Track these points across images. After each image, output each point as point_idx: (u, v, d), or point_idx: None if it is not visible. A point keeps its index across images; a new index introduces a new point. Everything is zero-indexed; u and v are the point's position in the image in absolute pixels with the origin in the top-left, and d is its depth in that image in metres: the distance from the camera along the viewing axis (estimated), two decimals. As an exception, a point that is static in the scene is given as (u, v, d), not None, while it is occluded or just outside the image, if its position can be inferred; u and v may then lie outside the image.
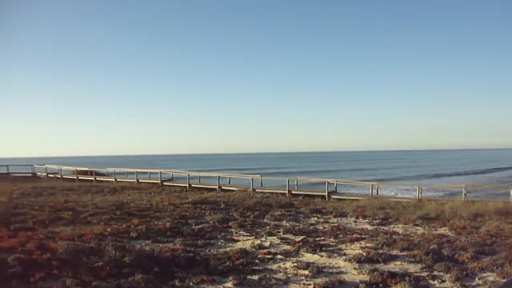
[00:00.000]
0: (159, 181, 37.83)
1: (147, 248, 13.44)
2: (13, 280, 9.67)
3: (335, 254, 13.14)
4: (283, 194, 29.95)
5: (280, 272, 11.32)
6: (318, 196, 29.05)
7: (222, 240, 15.48)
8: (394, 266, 11.77)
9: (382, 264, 11.97)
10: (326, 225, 18.42)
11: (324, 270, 11.43)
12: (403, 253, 13.10)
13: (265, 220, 19.60)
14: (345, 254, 13.05)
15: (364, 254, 12.74)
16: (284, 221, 19.43)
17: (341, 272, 11.28)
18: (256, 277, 10.81)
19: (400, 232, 16.95)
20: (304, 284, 10.36)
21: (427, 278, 10.67)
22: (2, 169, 50.94)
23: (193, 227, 17.63)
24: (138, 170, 42.23)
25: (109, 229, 16.16)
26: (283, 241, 15.22)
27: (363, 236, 15.93)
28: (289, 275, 11.03)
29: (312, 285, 10.16)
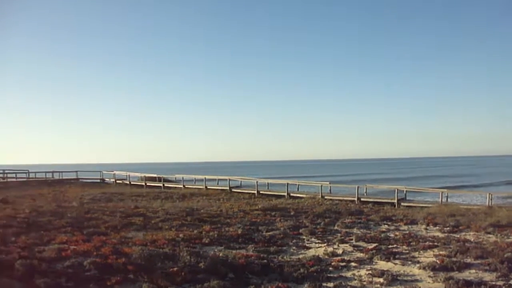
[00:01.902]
0: (228, 188, 38.25)
1: (220, 254, 13.55)
2: (90, 284, 9.99)
3: (409, 262, 13.03)
4: (352, 201, 29.83)
5: (355, 279, 11.32)
6: (388, 203, 28.80)
7: (294, 247, 15.54)
8: (469, 275, 11.58)
9: (456, 272, 11.79)
10: (397, 233, 18.23)
11: (399, 278, 11.37)
12: (477, 261, 12.84)
13: (336, 228, 19.56)
14: (418, 262, 12.91)
15: (438, 262, 12.56)
16: (355, 229, 19.37)
17: (416, 280, 11.20)
18: (331, 285, 10.85)
19: (472, 239, 16.61)
20: (380, 292, 10.32)
21: (503, 287, 10.47)
22: (71, 174, 53.29)
23: (264, 233, 17.71)
24: (207, 177, 42.73)
25: (181, 235, 16.36)
26: (355, 248, 15.18)
27: (435, 243, 15.68)
28: (364, 283, 11.01)
29: (388, 293, 10.12)
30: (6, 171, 52.26)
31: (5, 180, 47.75)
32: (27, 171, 55.26)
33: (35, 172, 55.21)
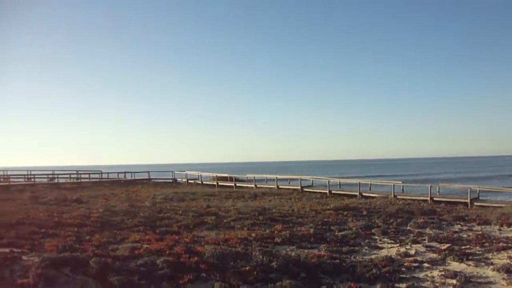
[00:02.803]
0: (299, 187, 38.39)
1: (292, 254, 13.64)
2: (163, 282, 10.30)
3: (482, 263, 12.92)
4: (425, 200, 29.46)
5: (428, 280, 11.38)
6: (460, 203, 28.28)
7: (366, 247, 15.64)
8: (546, 278, 11.38)
9: (532, 275, 11.60)
10: (470, 233, 18.01)
11: (472, 279, 11.33)
12: (554, 264, 12.59)
13: (408, 227, 19.49)
14: (492, 264, 12.79)
15: (512, 264, 12.44)
16: (428, 229, 19.23)
17: (490, 283, 11.16)
18: (403, 285, 10.95)
19: (548, 241, 16.18)
20: (452, 293, 10.31)
21: None
22: (143, 175, 54.49)
23: (336, 233, 17.77)
24: (278, 176, 42.81)
25: (253, 234, 16.48)
26: (428, 249, 15.13)
27: (509, 245, 15.41)
28: (437, 284, 11.06)
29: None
30: (80, 172, 54.31)
31: (79, 181, 49.34)
32: (100, 172, 57.43)
33: (108, 173, 57.11)
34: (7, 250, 12.17)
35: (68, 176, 53.51)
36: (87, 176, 53.56)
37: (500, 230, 19.05)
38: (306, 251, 14.51)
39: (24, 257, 11.66)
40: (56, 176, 52.32)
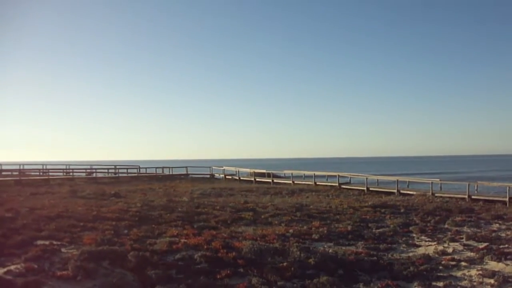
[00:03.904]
0: (337, 184, 38.34)
1: (330, 251, 13.81)
2: (200, 276, 10.48)
3: (521, 263, 12.83)
4: (463, 199, 29.17)
5: (465, 279, 11.45)
6: (499, 201, 27.87)
7: (404, 245, 15.68)
8: None
9: None
10: (508, 232, 17.83)
11: (510, 279, 11.29)
12: None
13: (446, 226, 19.37)
14: (531, 264, 12.69)
15: (551, 264, 12.31)
16: (465, 227, 19.08)
17: (528, 283, 11.11)
18: (441, 284, 11.09)
19: None
20: (491, 293, 10.32)
21: None
22: (181, 170, 54.93)
23: (373, 230, 17.85)
24: (316, 173, 42.95)
25: (291, 230, 16.55)
26: (466, 247, 15.07)
27: (549, 244, 15.25)
28: (474, 283, 11.14)
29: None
30: (118, 167, 55.15)
31: (117, 175, 50.21)
32: (137, 167, 58.21)
33: (146, 168, 57.68)
34: (47, 242, 12.72)
35: (106, 170, 54.44)
36: (125, 170, 54.38)
37: (540, 229, 18.80)
38: (343, 248, 14.65)
39: (63, 250, 12.19)
40: (94, 170, 53.50)
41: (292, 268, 11.36)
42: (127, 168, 56.18)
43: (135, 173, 54.55)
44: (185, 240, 13.78)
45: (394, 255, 14.21)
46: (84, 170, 54.00)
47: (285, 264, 11.61)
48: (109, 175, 51.13)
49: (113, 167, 55.51)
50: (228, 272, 10.84)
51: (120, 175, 50.88)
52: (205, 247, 12.94)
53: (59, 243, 12.91)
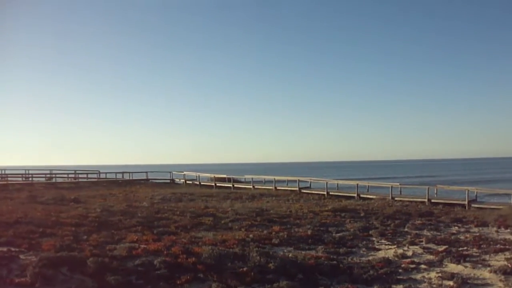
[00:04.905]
0: (297, 189, 38.26)
1: (290, 255, 13.67)
2: (160, 282, 10.37)
3: (479, 265, 12.92)
4: (423, 202, 29.44)
5: (425, 282, 11.45)
6: (458, 204, 28.28)
7: (364, 249, 15.67)
8: (542, 280, 11.41)
9: (529, 277, 11.63)
10: (467, 235, 18.02)
11: (469, 281, 11.38)
12: (551, 266, 12.61)
13: (406, 229, 19.46)
14: (489, 265, 12.78)
15: (509, 265, 12.38)
16: (425, 231, 19.22)
17: (487, 284, 11.22)
18: (400, 287, 11.04)
19: (545, 243, 16.20)
20: (449, 295, 10.33)
21: None
22: (141, 175, 54.30)
23: (334, 235, 17.74)
24: (276, 178, 42.89)
25: (251, 235, 16.44)
26: (425, 250, 15.14)
27: (506, 247, 15.43)
28: (434, 286, 11.13)
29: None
30: (78, 172, 54.35)
31: (77, 180, 49.40)
32: (97, 172, 57.37)
33: (106, 173, 56.94)
34: (4, 249, 12.22)
35: (66, 175, 53.53)
36: (85, 176, 53.62)
37: (497, 232, 19.04)
38: (303, 252, 14.52)
39: (21, 256, 11.70)
40: (54, 175, 52.39)
41: (252, 273, 11.27)
42: (87, 173, 55.41)
43: (95, 178, 53.54)
44: (145, 246, 13.57)
45: (354, 259, 14.13)
46: (43, 175, 52.73)
47: (245, 269, 11.53)
48: (69, 180, 50.33)
49: (73, 172, 54.64)
50: (188, 277, 10.72)
51: (80, 180, 50.06)
52: (165, 252, 12.82)
53: (17, 249, 12.44)
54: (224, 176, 49.39)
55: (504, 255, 14.20)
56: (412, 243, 16.46)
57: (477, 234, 18.31)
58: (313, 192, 37.26)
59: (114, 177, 54.45)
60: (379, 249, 15.62)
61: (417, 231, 18.95)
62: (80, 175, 53.08)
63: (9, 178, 50.27)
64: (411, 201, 30.01)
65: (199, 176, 50.92)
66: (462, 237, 17.61)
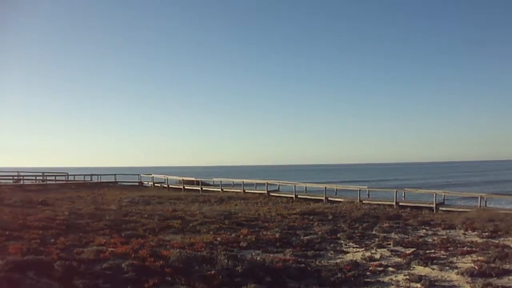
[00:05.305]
0: (266, 192, 38.29)
1: (258, 258, 13.55)
2: (128, 285, 10.22)
3: (447, 267, 12.99)
4: (391, 205, 29.66)
5: (392, 284, 11.42)
6: (426, 207, 28.62)
7: (331, 252, 15.58)
8: (508, 281, 11.52)
9: (495, 278, 11.73)
10: (435, 238, 18.17)
11: (436, 283, 11.40)
12: (516, 268, 12.74)
13: (374, 232, 19.52)
14: (456, 268, 12.86)
15: (476, 267, 12.51)
16: (393, 233, 19.30)
17: (454, 286, 11.26)
18: None
19: (511, 245, 16.38)
20: (417, 297, 10.33)
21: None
22: (110, 177, 54.16)
23: (302, 238, 17.74)
24: (245, 181, 42.84)
25: (219, 239, 16.38)
26: (393, 253, 15.18)
27: (473, 249, 15.61)
28: (402, 288, 11.09)
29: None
30: (46, 174, 53.36)
31: (45, 183, 48.61)
32: (66, 174, 56.51)
33: (74, 175, 56.20)
34: (-30, 253, 11.87)
35: (33, 178, 52.64)
36: (53, 178, 52.76)
37: (464, 234, 19.24)
38: (271, 255, 14.41)
39: (-13, 260, 11.38)
40: (21, 177, 51.48)
41: (220, 276, 11.14)
42: (55, 176, 54.50)
43: (63, 180, 52.90)
44: (113, 249, 13.35)
45: (322, 261, 14.04)
46: (11, 177, 51.63)
47: (213, 272, 11.37)
48: (37, 182, 49.50)
49: (41, 174, 53.58)
50: (156, 280, 10.56)
51: (48, 182, 49.26)
52: (133, 255, 12.67)
53: (-17, 253, 12.13)
54: (193, 179, 49.47)
55: (471, 257, 14.32)
56: (380, 246, 16.48)
57: (445, 236, 18.43)
58: (282, 195, 37.35)
59: (83, 179, 53.95)
60: (347, 252, 15.58)
61: (385, 234, 18.98)
62: (48, 178, 52.18)
63: None
64: (379, 204, 30.17)
65: (167, 179, 50.60)
66: (429, 240, 17.73)
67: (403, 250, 15.69)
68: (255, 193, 39.24)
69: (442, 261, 13.76)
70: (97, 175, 54.59)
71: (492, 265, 12.95)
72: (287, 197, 36.00)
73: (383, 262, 13.70)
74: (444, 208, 28.17)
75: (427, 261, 13.61)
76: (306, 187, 39.45)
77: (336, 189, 36.91)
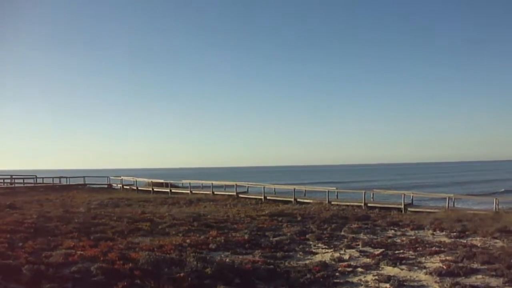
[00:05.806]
0: (235, 193, 38.20)
1: (227, 260, 13.52)
2: None
3: (415, 267, 13.06)
4: (359, 206, 29.77)
5: (361, 285, 11.43)
6: (395, 208, 28.80)
7: (301, 253, 15.56)
8: (476, 280, 11.64)
9: (463, 277, 11.84)
10: (404, 238, 18.25)
11: (405, 283, 11.44)
12: (483, 267, 12.88)
13: (343, 233, 19.52)
14: (425, 267, 12.95)
15: (444, 267, 12.62)
16: (362, 234, 19.33)
17: (423, 286, 11.31)
18: None
19: (478, 245, 16.59)
20: (386, 297, 10.35)
21: (511, 293, 10.50)
22: (79, 180, 53.32)
23: (271, 239, 17.70)
24: (214, 183, 42.72)
25: (188, 241, 16.33)
26: (362, 254, 15.20)
27: (442, 249, 15.72)
28: (371, 288, 11.08)
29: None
30: (14, 177, 52.41)
31: (13, 185, 47.92)
32: (34, 177, 55.47)
33: (43, 178, 55.26)
34: None
35: (1, 180, 51.45)
36: (21, 181, 51.76)
37: (433, 234, 19.40)
38: (240, 257, 14.41)
39: (-47, 265, 11.24)
40: None
41: (189, 279, 11.13)
42: (23, 178, 53.37)
43: (31, 183, 51.95)
44: (82, 252, 13.38)
45: (291, 263, 14.00)
46: None
47: (182, 274, 11.36)
48: (5, 185, 48.71)
49: (8, 177, 52.53)
50: (125, 283, 10.50)
51: (16, 185, 48.57)
52: (102, 258, 12.62)
53: None
54: (162, 181, 48.97)
55: (440, 257, 14.41)
56: (349, 246, 16.50)
57: (413, 237, 18.54)
58: (251, 196, 37.26)
59: (51, 182, 53.15)
60: (316, 253, 15.56)
61: (353, 235, 19.01)
62: (16, 180, 51.24)
63: None
64: (347, 205, 30.24)
65: (136, 181, 50.39)
66: (398, 240, 17.81)
67: (372, 250, 15.71)
68: (224, 194, 39.09)
69: (410, 261, 13.81)
70: (66, 177, 53.94)
71: (460, 264, 13.07)
72: (256, 198, 35.92)
73: (352, 263, 13.70)
74: (412, 209, 28.37)
75: (396, 261, 13.65)
76: (275, 189, 39.35)
77: (305, 190, 36.95)
